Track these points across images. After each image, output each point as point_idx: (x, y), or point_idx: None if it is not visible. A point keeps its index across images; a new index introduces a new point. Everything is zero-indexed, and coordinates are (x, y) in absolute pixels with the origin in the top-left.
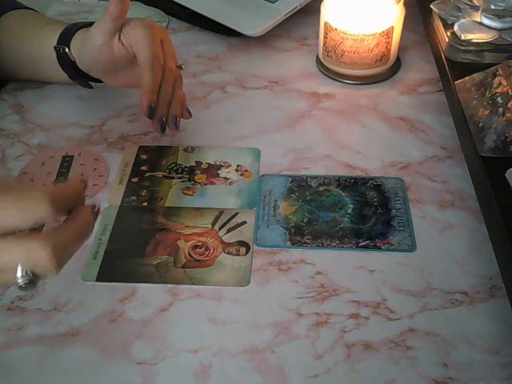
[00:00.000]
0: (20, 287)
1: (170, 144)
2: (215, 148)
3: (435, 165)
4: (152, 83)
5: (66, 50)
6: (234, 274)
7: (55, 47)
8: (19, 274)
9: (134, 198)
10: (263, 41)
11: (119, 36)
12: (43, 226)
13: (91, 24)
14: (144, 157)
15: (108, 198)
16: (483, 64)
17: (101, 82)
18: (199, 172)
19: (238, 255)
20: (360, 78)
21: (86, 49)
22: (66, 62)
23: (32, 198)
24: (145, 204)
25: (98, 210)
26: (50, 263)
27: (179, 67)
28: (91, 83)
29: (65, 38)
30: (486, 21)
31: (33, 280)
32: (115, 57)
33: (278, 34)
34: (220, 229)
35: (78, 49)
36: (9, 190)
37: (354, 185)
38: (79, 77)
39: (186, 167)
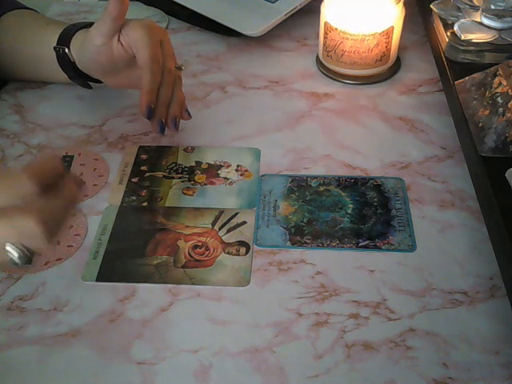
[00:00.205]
0: (15, 263)
1: (170, 144)
2: (215, 148)
3: (435, 165)
4: (151, 84)
5: (66, 50)
6: (234, 274)
7: (55, 48)
8: (12, 251)
9: (134, 197)
10: (263, 41)
11: (118, 37)
12: None
13: (91, 24)
14: (144, 157)
15: (108, 197)
16: (483, 64)
17: (100, 82)
18: (199, 172)
19: (238, 255)
20: (360, 78)
21: (86, 49)
22: (66, 63)
23: (14, 176)
24: (145, 204)
25: (81, 181)
26: (40, 234)
27: (179, 68)
28: (91, 83)
29: (64, 39)
30: (486, 21)
31: (28, 255)
32: (114, 57)
33: (277, 34)
34: (220, 229)
35: (77, 49)
36: None
37: (354, 185)
38: (79, 77)
39: (186, 167)
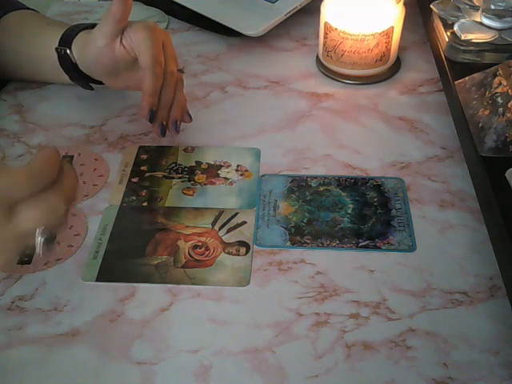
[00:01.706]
0: (39, 249)
1: (169, 144)
2: (215, 148)
3: (435, 165)
4: (153, 86)
5: (68, 51)
6: (234, 274)
7: (56, 48)
8: (40, 234)
9: (134, 198)
10: (263, 41)
11: (121, 38)
12: None
13: (93, 25)
14: (144, 157)
15: (108, 197)
16: (483, 64)
17: (102, 83)
18: (199, 172)
19: (238, 255)
20: (360, 78)
21: (88, 51)
22: (67, 64)
23: (11, 175)
24: (145, 204)
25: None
26: (65, 216)
27: (180, 71)
28: (92, 85)
29: (66, 40)
30: (486, 21)
31: (50, 239)
32: (116, 59)
33: (277, 34)
34: (220, 229)
35: (79, 50)
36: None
37: (354, 185)
38: (80, 78)
39: (186, 167)
